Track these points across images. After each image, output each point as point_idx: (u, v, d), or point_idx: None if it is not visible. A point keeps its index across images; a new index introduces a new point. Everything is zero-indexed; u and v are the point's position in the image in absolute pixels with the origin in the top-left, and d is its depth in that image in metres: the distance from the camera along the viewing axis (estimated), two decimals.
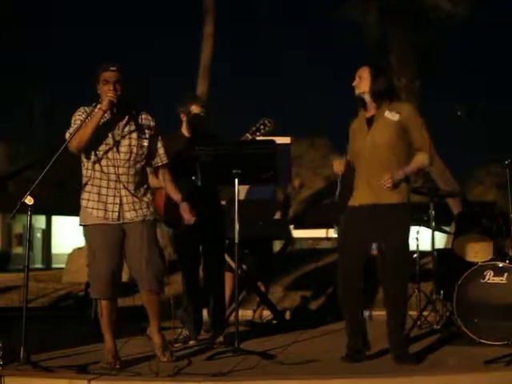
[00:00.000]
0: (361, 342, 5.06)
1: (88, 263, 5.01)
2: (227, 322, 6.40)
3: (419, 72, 16.78)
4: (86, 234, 5.05)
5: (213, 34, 15.43)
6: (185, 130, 6.13)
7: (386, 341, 5.03)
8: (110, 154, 4.94)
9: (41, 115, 34.20)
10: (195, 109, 6.09)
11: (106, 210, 4.94)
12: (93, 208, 4.95)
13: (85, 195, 5.00)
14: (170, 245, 12.00)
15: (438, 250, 7.15)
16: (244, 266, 7.09)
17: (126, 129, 5.01)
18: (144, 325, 5.83)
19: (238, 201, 5.39)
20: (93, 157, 4.96)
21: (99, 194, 4.95)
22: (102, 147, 4.95)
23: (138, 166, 5.04)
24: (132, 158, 4.99)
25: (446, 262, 6.71)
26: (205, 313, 6.24)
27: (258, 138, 5.98)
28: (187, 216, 5.32)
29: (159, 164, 5.21)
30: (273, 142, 5.50)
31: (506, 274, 5.68)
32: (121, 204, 4.96)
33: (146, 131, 5.08)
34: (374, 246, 5.12)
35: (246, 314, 7.59)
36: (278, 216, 7.12)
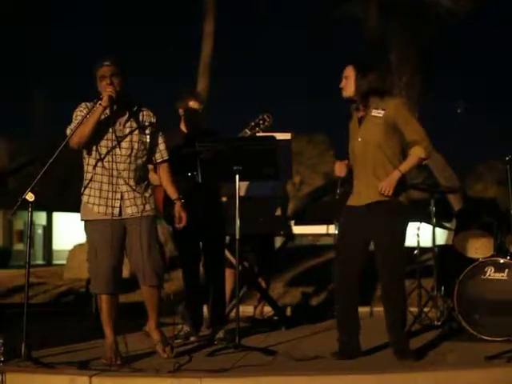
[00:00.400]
0: (355, 338, 5.04)
1: (88, 258, 5.02)
2: (228, 319, 6.41)
3: (420, 69, 16.75)
4: (86, 230, 5.05)
5: (213, 32, 15.42)
6: (183, 126, 6.13)
7: (386, 337, 5.03)
8: (111, 150, 4.94)
9: (41, 111, 34.20)
10: (193, 104, 6.09)
11: (106, 206, 4.94)
12: (94, 204, 4.96)
13: (86, 191, 5.00)
14: (170, 241, 12.06)
15: (439, 246, 7.15)
16: (245, 263, 7.09)
17: (128, 125, 5.02)
18: (141, 321, 5.83)
19: (239, 197, 5.39)
20: (94, 152, 4.97)
21: (100, 189, 4.96)
22: (104, 143, 4.95)
23: (139, 161, 5.05)
24: (133, 154, 5.00)
25: (447, 259, 6.71)
26: (205, 309, 6.25)
27: (258, 134, 5.98)
28: (179, 218, 5.23)
29: (159, 160, 5.21)
30: (273, 137, 5.50)
31: (506, 270, 5.69)
32: (122, 199, 4.97)
33: (148, 127, 5.09)
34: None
35: (246, 310, 7.60)
36: (278, 212, 7.12)
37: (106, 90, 4.84)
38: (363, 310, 7.47)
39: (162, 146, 5.20)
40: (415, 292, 7.00)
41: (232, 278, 6.77)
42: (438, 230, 7.07)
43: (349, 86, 4.99)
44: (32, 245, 4.90)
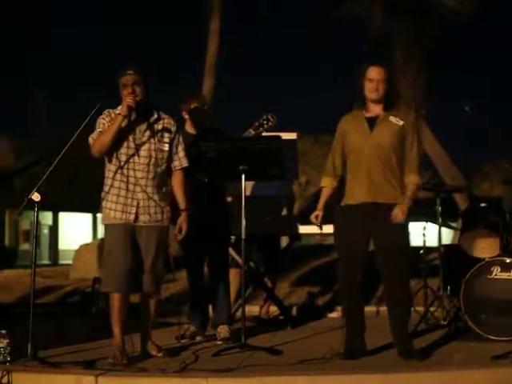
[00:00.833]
0: (360, 338, 5.05)
1: (104, 257, 5.16)
2: (234, 318, 6.41)
3: (424, 68, 16.73)
4: (105, 231, 5.20)
5: (218, 30, 15.43)
6: (189, 128, 6.12)
7: (391, 336, 5.02)
8: (130, 158, 5.05)
9: (44, 111, 34.24)
10: (197, 106, 6.08)
11: (123, 212, 5.05)
12: (111, 209, 5.08)
13: (105, 196, 5.12)
14: (175, 241, 12.07)
15: (445, 245, 7.13)
16: (251, 262, 7.09)
17: (147, 133, 5.10)
18: None
19: (244, 197, 5.39)
20: (114, 160, 5.08)
21: (118, 195, 5.07)
22: (123, 150, 5.05)
23: (158, 169, 5.12)
24: (152, 163, 5.08)
25: (453, 258, 6.69)
26: (211, 309, 6.25)
27: (264, 134, 5.98)
28: (179, 229, 5.25)
29: (178, 168, 5.26)
30: (279, 137, 5.49)
31: None
32: (137, 207, 5.06)
33: (167, 135, 5.16)
34: None
35: (252, 309, 7.60)
36: (283, 212, 7.11)
37: (126, 100, 4.94)
38: (369, 309, 7.49)
39: (181, 154, 5.26)
40: (421, 292, 6.99)
41: (238, 277, 6.77)
42: (443, 229, 7.06)
43: (381, 87, 4.98)
44: (38, 245, 4.94)
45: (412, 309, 5.84)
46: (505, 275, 5.72)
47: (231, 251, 6.65)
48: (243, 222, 5.35)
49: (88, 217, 36.22)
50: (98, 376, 4.41)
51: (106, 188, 5.11)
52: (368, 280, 5.05)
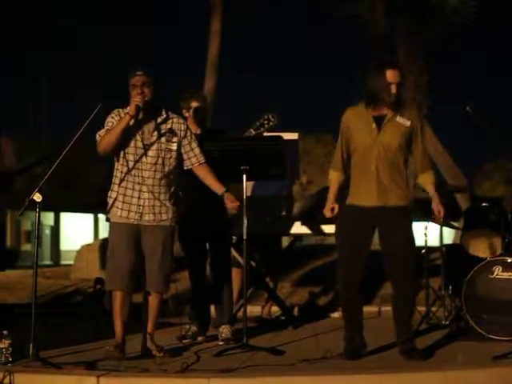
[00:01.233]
0: (360, 336, 5.05)
1: (108, 256, 5.18)
2: (236, 318, 6.41)
3: (426, 69, 16.71)
4: (109, 230, 5.22)
5: (220, 30, 15.43)
6: (190, 127, 6.11)
7: (393, 336, 5.02)
8: (138, 158, 5.07)
9: (46, 111, 34.25)
10: (197, 105, 6.08)
11: (129, 211, 5.08)
12: (117, 208, 5.11)
13: (112, 194, 5.15)
14: (177, 241, 12.07)
15: (447, 245, 7.14)
16: (252, 262, 7.09)
17: (155, 133, 5.12)
18: None
19: (246, 197, 5.39)
20: (122, 159, 5.10)
21: (124, 195, 5.10)
22: (131, 150, 5.08)
23: (166, 169, 5.14)
24: (159, 162, 5.10)
25: (455, 258, 6.70)
26: (212, 309, 6.25)
27: (265, 134, 5.98)
28: (230, 205, 5.29)
29: (196, 164, 5.27)
30: (280, 137, 5.50)
31: None
32: (143, 206, 5.09)
33: (176, 135, 5.18)
34: None
35: (254, 310, 7.60)
36: (283, 212, 7.11)
37: (134, 100, 4.98)
38: (371, 309, 7.49)
39: (197, 150, 5.27)
40: (423, 291, 6.99)
41: (239, 277, 6.77)
42: (445, 229, 7.06)
43: (398, 90, 4.94)
44: (40, 245, 4.97)
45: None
46: (506, 275, 5.72)
47: (233, 251, 6.65)
48: (244, 221, 5.35)
49: (89, 217, 36.26)
50: (99, 377, 4.40)
51: (114, 187, 5.14)
52: (370, 280, 5.05)
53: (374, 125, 4.97)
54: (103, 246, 11.84)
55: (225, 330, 5.90)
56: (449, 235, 15.21)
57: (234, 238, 6.63)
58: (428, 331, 6.18)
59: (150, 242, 5.10)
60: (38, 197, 4.87)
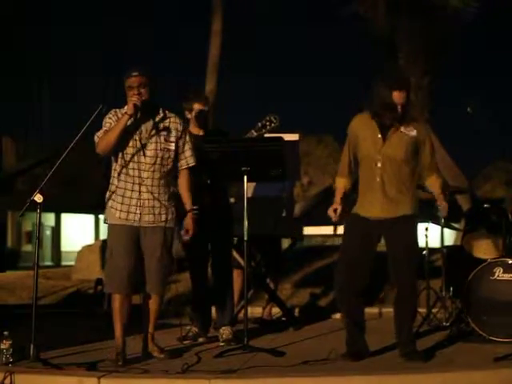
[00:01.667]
0: (362, 339, 5.05)
1: (106, 258, 5.15)
2: (236, 320, 6.41)
3: (429, 70, 16.69)
4: (108, 232, 5.18)
5: (221, 31, 15.42)
6: (192, 128, 6.12)
7: (394, 338, 5.02)
8: (136, 158, 5.04)
9: (46, 112, 34.23)
10: (199, 106, 6.08)
11: (128, 212, 5.05)
12: (116, 209, 5.07)
13: (110, 195, 5.11)
14: (178, 242, 12.06)
15: (448, 246, 7.13)
16: (253, 264, 7.09)
17: (153, 132, 5.09)
18: None
19: (247, 198, 5.39)
20: (120, 159, 5.07)
21: (123, 196, 5.06)
22: (129, 150, 5.05)
23: (164, 169, 5.12)
24: (158, 162, 5.08)
25: (456, 259, 6.69)
26: (213, 310, 6.25)
27: (266, 135, 5.98)
28: (184, 232, 5.27)
29: (184, 166, 5.25)
30: (281, 138, 5.49)
31: None
32: (142, 207, 5.05)
33: (173, 135, 5.16)
34: None
35: (255, 311, 7.60)
36: (284, 213, 7.11)
37: (132, 99, 4.94)
38: (372, 311, 7.49)
39: (188, 153, 5.25)
40: (424, 293, 6.98)
41: (240, 279, 6.77)
42: (446, 230, 7.05)
43: (403, 110, 4.91)
44: (40, 246, 4.98)
45: None
46: (507, 276, 5.72)
47: (233, 252, 6.65)
48: (245, 223, 5.35)
49: (90, 218, 36.27)
50: (100, 378, 4.41)
51: (112, 187, 5.11)
52: (371, 282, 5.04)
53: (379, 135, 4.94)
54: (104, 246, 11.83)
55: (226, 331, 5.90)
56: (450, 236, 15.20)
57: (234, 239, 6.62)
58: (429, 333, 6.17)
59: (150, 243, 5.06)
60: (39, 198, 4.87)
